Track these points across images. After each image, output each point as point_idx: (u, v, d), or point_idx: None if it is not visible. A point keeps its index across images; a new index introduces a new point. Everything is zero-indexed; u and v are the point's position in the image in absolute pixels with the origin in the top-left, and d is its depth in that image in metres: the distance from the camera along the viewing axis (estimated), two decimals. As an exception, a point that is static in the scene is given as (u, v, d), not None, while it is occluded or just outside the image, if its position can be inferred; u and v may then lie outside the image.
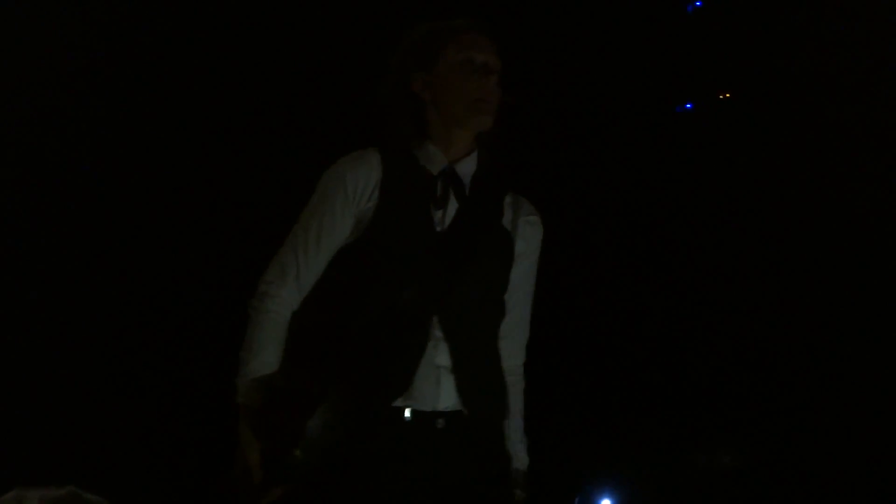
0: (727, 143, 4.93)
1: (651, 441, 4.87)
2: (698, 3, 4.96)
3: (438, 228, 2.61)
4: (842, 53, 4.53)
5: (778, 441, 4.83)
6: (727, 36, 4.86)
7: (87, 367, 4.39)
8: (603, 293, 4.95)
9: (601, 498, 4.92)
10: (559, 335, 4.42)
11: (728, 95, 4.98)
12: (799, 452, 4.78)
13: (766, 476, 4.86)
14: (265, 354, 2.59)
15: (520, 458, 2.71)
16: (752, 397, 4.84)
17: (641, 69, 4.87)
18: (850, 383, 4.65)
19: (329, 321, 2.59)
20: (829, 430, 4.70)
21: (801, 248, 4.77)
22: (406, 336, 2.53)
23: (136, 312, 4.48)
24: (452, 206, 2.65)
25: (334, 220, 2.60)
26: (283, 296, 2.62)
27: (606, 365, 4.98)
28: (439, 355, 2.57)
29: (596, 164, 4.90)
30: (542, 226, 2.77)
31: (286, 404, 2.55)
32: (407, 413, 2.54)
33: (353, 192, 2.60)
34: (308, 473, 2.52)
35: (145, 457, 4.37)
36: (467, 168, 2.69)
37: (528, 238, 2.74)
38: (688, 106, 5.07)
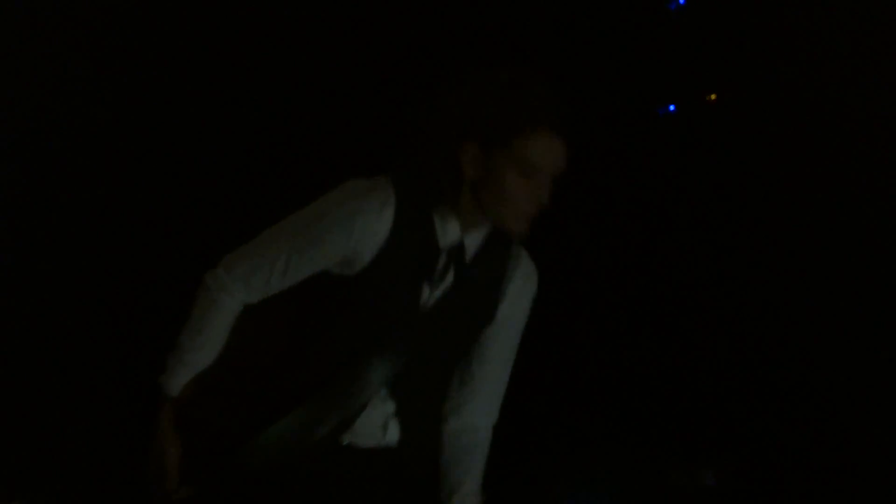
0: (712, 149, 4.81)
1: (632, 457, 4.85)
2: (681, 1, 4.80)
3: (422, 301, 2.52)
4: (831, 54, 4.43)
5: (761, 458, 4.79)
6: (712, 34, 4.73)
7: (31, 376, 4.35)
8: (584, 301, 4.88)
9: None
10: (541, 346, 4.29)
11: (714, 97, 4.82)
12: (781, 468, 4.72)
13: (748, 495, 4.82)
14: (208, 350, 2.51)
15: None
16: (735, 412, 4.79)
17: (621, 69, 4.71)
18: (831, 399, 4.59)
19: (284, 342, 2.53)
20: (811, 447, 4.64)
21: (789, 260, 4.67)
22: (356, 391, 2.49)
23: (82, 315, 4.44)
24: (447, 279, 2.55)
25: (325, 256, 2.48)
26: (243, 299, 2.52)
27: (586, 379, 4.91)
28: (386, 405, 2.54)
29: (574, 168, 4.70)
30: (536, 285, 2.66)
31: (218, 407, 2.48)
32: (346, 444, 2.53)
33: (356, 240, 2.46)
34: (229, 482, 2.48)
35: (89, 469, 4.31)
36: (476, 238, 2.57)
37: (517, 299, 2.63)
38: (670, 108, 4.93)
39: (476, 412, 2.65)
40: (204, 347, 2.50)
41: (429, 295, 2.51)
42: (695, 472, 4.92)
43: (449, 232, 2.52)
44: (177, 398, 2.49)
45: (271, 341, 2.52)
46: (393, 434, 2.54)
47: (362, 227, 2.46)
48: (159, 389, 2.51)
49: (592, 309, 4.85)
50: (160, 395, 2.51)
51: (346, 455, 2.51)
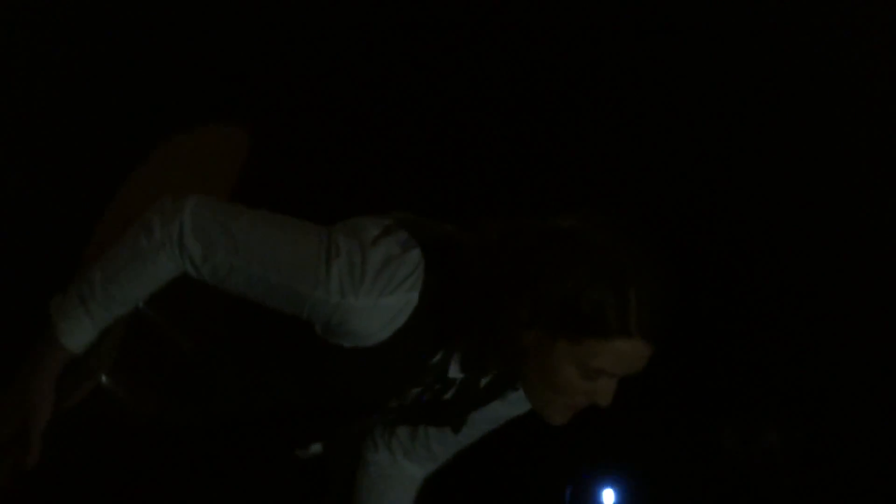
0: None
1: (659, 421, 4.54)
2: None
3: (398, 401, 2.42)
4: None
5: (802, 423, 4.51)
6: None
7: None
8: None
9: (602, 488, 4.60)
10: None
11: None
12: (826, 438, 4.46)
13: (822, 457, 4.49)
14: (120, 307, 2.21)
15: None
16: (776, 374, 4.46)
17: None
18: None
19: (222, 338, 2.38)
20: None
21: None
22: (282, 444, 2.51)
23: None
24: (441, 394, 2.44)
25: (294, 313, 2.21)
26: (183, 269, 2.22)
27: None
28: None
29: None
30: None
31: (122, 376, 2.29)
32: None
33: (339, 336, 2.24)
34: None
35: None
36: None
37: (513, 404, 2.46)
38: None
39: (416, 463, 2.59)
40: (116, 301, 2.19)
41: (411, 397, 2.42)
42: (753, 431, 4.59)
43: (469, 368, 2.38)
44: (74, 353, 2.19)
45: (205, 329, 2.36)
46: (315, 450, 2.56)
47: (355, 329, 2.21)
48: (49, 322, 2.17)
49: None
50: (48, 333, 2.17)
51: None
